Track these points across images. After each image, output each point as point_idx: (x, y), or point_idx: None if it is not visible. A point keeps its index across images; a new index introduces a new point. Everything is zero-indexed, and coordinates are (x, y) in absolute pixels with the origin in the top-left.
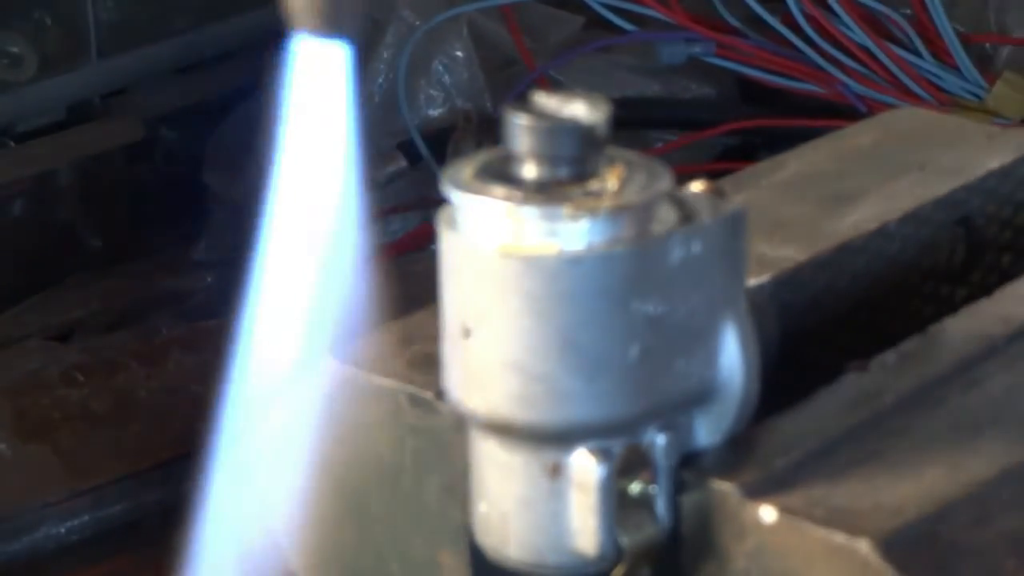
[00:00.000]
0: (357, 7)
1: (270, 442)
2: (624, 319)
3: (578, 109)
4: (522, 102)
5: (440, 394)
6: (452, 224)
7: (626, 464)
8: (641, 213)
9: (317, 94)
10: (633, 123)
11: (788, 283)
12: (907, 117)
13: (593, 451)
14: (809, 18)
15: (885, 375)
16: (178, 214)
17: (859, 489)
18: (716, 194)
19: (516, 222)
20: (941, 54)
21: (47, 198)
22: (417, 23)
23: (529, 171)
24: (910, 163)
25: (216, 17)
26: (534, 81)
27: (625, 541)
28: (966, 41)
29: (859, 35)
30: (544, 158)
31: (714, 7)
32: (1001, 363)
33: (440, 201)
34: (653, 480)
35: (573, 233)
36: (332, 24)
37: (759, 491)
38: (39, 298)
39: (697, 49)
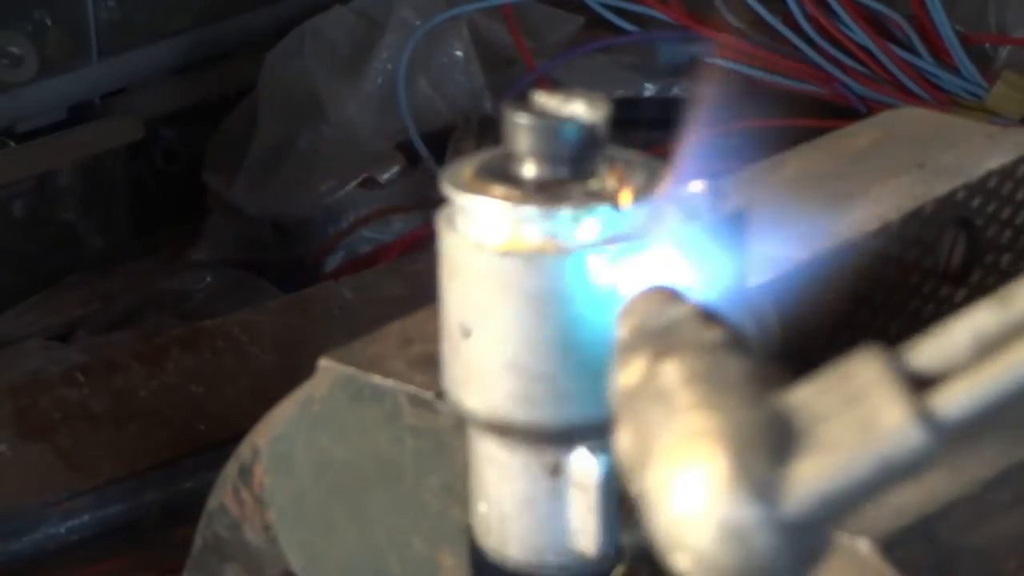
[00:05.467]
0: None
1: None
2: None
3: (578, 109)
4: (522, 102)
5: (440, 394)
6: (452, 224)
7: None
8: (641, 213)
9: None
10: (633, 123)
11: (788, 283)
12: (907, 117)
13: (593, 451)
14: (809, 18)
15: None
16: (178, 214)
17: None
18: (716, 194)
19: (516, 222)
20: (941, 54)
21: (48, 198)
22: (417, 23)
23: (529, 170)
24: (910, 163)
25: (216, 17)
26: (534, 81)
27: (625, 541)
28: (965, 41)
29: (859, 35)
30: (544, 157)
31: (714, 7)
32: None
33: (440, 201)
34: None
35: (573, 232)
36: None
37: None
38: (39, 298)
39: (697, 49)
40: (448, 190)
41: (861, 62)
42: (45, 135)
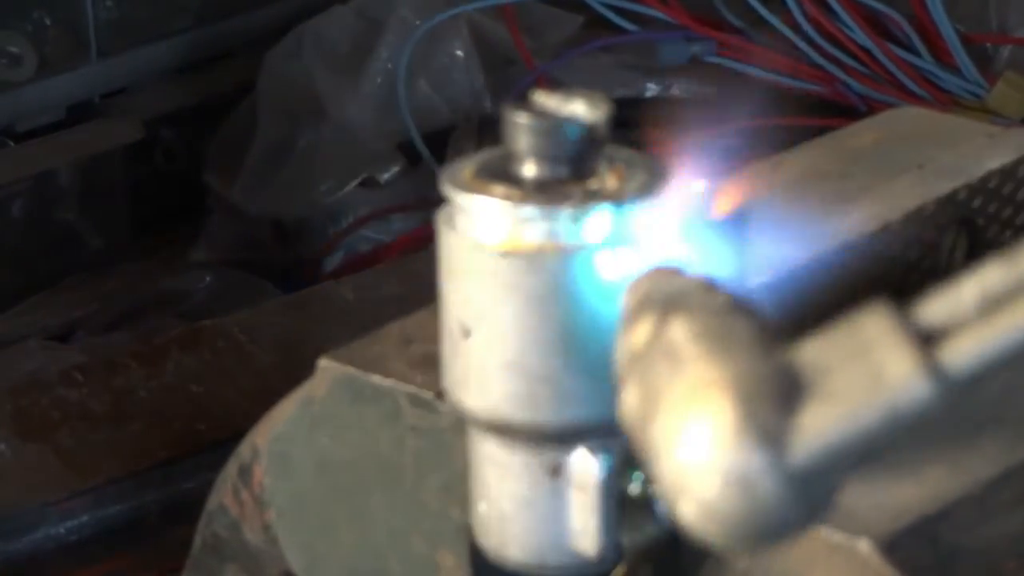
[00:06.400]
0: None
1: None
2: None
3: (578, 108)
4: (522, 101)
5: (440, 394)
6: (452, 224)
7: (626, 463)
8: (641, 212)
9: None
10: (633, 123)
11: (788, 283)
12: (907, 117)
13: (593, 451)
14: (809, 18)
15: None
16: (178, 214)
17: (860, 489)
18: (716, 194)
19: (516, 221)
20: (941, 54)
21: (47, 198)
22: (417, 22)
23: (529, 170)
24: (910, 163)
25: (216, 17)
26: (534, 80)
27: (625, 541)
28: (966, 41)
29: (859, 35)
30: (544, 157)
31: (715, 7)
32: None
33: (440, 201)
34: (653, 480)
35: (573, 232)
36: None
37: None
38: (39, 298)
39: (697, 48)
40: (448, 190)
41: (861, 62)
42: (44, 135)
